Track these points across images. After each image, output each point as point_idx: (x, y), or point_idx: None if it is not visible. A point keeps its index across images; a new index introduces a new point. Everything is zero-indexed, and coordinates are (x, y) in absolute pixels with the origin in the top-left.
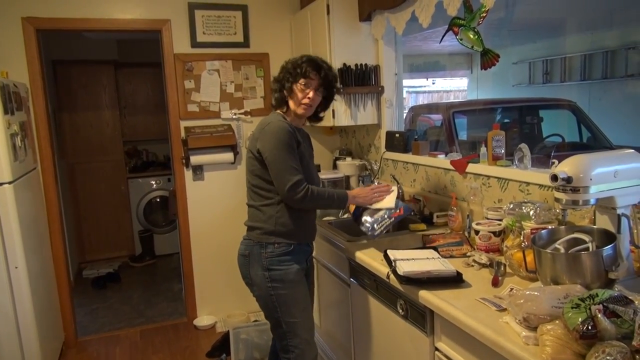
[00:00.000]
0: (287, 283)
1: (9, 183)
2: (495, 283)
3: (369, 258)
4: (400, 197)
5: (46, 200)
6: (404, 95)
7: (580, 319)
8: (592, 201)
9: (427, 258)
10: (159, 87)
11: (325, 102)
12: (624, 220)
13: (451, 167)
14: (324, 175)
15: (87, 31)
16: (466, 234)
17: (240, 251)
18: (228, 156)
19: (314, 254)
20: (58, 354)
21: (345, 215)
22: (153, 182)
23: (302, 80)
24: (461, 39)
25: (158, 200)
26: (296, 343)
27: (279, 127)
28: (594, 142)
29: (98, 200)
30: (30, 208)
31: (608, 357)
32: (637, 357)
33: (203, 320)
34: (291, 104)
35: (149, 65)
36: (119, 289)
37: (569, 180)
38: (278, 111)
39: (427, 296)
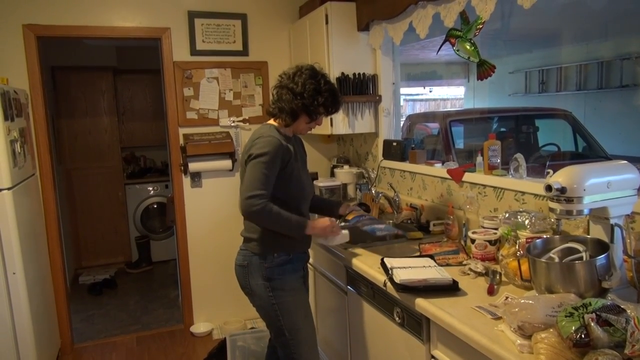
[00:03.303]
0: (289, 291)
1: (8, 189)
2: (491, 291)
3: (366, 266)
4: (397, 204)
5: (44, 206)
6: (401, 103)
7: (573, 328)
8: (586, 211)
9: (424, 266)
10: (157, 93)
11: None
12: (617, 230)
13: (448, 176)
14: (322, 183)
15: (88, 38)
16: (462, 242)
17: (238, 262)
18: (226, 163)
19: (311, 261)
20: None
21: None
22: (150, 189)
23: (326, 114)
24: (458, 50)
25: (155, 206)
26: (300, 351)
27: (268, 142)
28: (589, 151)
29: (95, 206)
30: (29, 214)
31: None
32: None
33: (200, 327)
34: (301, 122)
35: (148, 72)
36: (115, 295)
37: (563, 190)
38: (272, 122)
39: (423, 304)
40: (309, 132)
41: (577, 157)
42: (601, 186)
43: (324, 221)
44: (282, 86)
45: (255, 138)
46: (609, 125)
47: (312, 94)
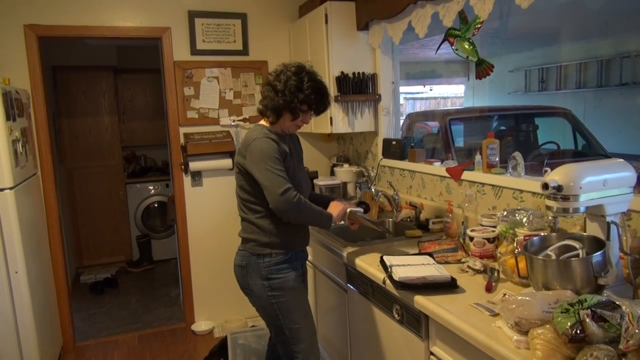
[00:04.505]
0: (287, 290)
1: (10, 189)
2: (489, 288)
3: (366, 264)
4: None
5: (46, 205)
6: (401, 101)
7: (569, 324)
8: (582, 209)
9: (423, 264)
10: (158, 93)
11: None
12: (613, 228)
13: (447, 175)
14: (322, 181)
15: (88, 38)
16: (461, 240)
17: (237, 262)
18: (227, 162)
19: (311, 259)
20: (56, 359)
21: (342, 222)
22: (151, 188)
23: (313, 113)
24: (457, 49)
25: (156, 205)
26: (300, 349)
27: (265, 143)
28: (588, 149)
29: (96, 206)
30: (31, 213)
31: None
32: None
33: (201, 325)
34: (285, 120)
35: (148, 71)
36: (117, 294)
37: (559, 188)
38: (263, 122)
39: (422, 301)
40: (297, 129)
41: (576, 155)
42: (597, 184)
43: (336, 205)
44: (268, 84)
45: (250, 142)
46: (609, 123)
47: (293, 91)
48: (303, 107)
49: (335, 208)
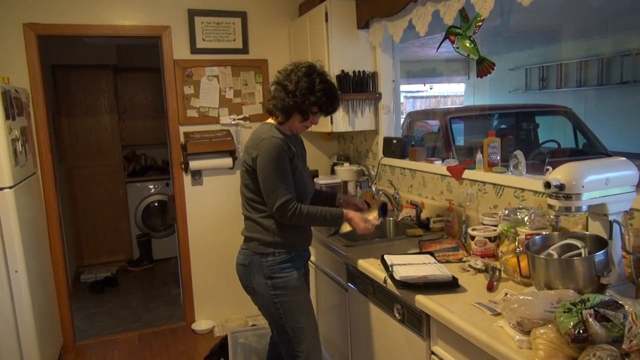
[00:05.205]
0: (290, 290)
1: (10, 188)
2: (490, 288)
3: (367, 263)
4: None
5: (46, 204)
6: (402, 100)
7: (572, 323)
8: (584, 208)
9: (424, 263)
10: (158, 91)
11: None
12: (615, 227)
13: (448, 173)
14: (322, 180)
15: (88, 37)
16: (462, 239)
17: (240, 261)
18: (227, 161)
19: (312, 258)
20: (57, 358)
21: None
22: (151, 187)
23: (322, 114)
24: (458, 48)
25: (156, 204)
26: (302, 348)
27: (273, 144)
28: (589, 148)
29: (96, 205)
30: (30, 212)
31: None
32: None
33: (201, 324)
34: (294, 121)
35: (148, 70)
36: (117, 293)
37: (561, 187)
38: (271, 120)
39: (423, 301)
40: (305, 130)
41: (577, 154)
42: (600, 183)
43: (359, 217)
44: (278, 83)
45: (258, 141)
46: (609, 121)
47: (305, 93)
48: (314, 109)
49: (355, 218)
